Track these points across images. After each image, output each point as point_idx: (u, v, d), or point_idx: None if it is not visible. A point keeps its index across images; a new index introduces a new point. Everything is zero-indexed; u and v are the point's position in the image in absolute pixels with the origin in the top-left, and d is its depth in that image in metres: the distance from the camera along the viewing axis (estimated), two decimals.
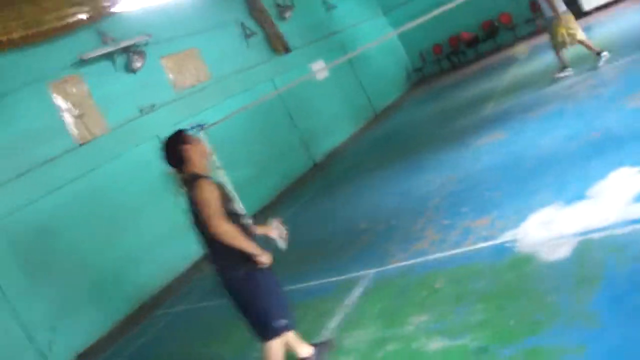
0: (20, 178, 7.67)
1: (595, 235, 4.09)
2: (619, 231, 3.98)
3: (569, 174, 5.44)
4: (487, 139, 8.13)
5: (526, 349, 3.31)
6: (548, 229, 4.57)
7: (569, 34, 8.86)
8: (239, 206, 3.53)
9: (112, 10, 9.13)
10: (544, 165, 6.02)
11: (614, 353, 2.91)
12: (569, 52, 9.34)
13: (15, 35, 7.89)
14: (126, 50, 9.41)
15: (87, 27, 9.05)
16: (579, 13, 14.75)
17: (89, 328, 7.68)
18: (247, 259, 3.59)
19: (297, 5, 14.31)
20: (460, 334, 3.79)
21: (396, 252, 5.73)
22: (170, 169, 3.76)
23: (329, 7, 16.25)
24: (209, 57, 11.21)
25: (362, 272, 5.65)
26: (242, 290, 3.71)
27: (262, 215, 9.93)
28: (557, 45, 9.15)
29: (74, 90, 8.81)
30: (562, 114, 7.37)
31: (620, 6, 13.57)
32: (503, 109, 9.42)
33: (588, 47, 8.99)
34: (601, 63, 8.71)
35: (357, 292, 5.29)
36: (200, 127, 9.10)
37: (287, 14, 13.94)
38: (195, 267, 8.89)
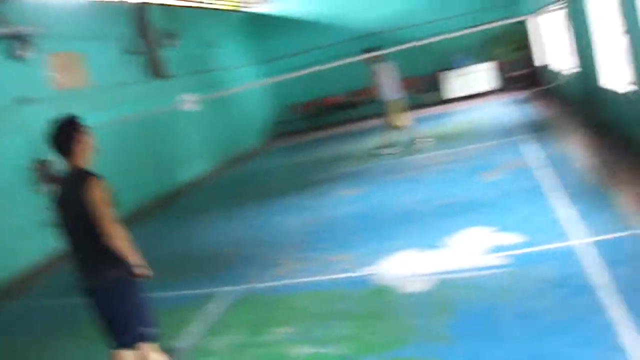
0: None
1: (449, 276, 4.71)
2: (468, 275, 4.62)
3: (424, 228, 6.15)
4: (347, 192, 8.75)
5: (388, 358, 3.67)
6: (405, 268, 5.14)
7: (398, 119, 10.51)
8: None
9: None
10: (401, 218, 6.72)
11: None
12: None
13: None
14: (15, 36, 8.79)
15: None
16: (440, 101, 16.80)
17: None
18: (121, 263, 3.45)
19: (181, 35, 14.43)
20: (324, 344, 4.10)
21: (257, 275, 5.91)
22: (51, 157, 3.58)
23: (209, 45, 16.50)
24: (92, 65, 10.80)
25: (223, 288, 5.71)
26: (113, 292, 3.51)
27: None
28: (390, 126, 10.78)
29: None
30: (420, 181, 8.28)
31: (475, 99, 15.75)
32: (362, 169, 10.23)
33: (406, 130, 10.79)
34: (418, 146, 10.62)
35: (220, 304, 5.31)
36: None
37: (171, 42, 13.97)
38: (50, 264, 8.28)
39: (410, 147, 10.81)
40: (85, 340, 4.84)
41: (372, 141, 12.61)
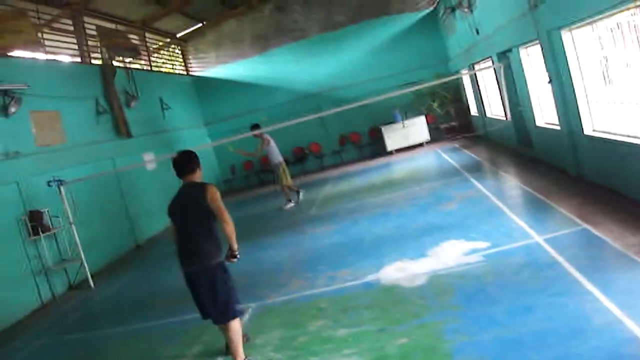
0: None
1: (440, 272, 5.96)
2: (456, 270, 5.89)
3: (406, 246, 7.37)
4: (322, 229, 9.87)
5: (415, 325, 4.84)
6: (402, 272, 6.34)
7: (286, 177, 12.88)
8: None
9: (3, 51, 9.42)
10: (382, 241, 7.93)
11: (475, 319, 4.63)
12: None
13: None
14: (5, 92, 9.58)
15: None
16: (384, 152, 18.43)
17: None
18: (221, 252, 4.73)
19: (141, 97, 15.49)
20: (357, 326, 5.17)
21: (271, 293, 6.88)
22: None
23: (165, 107, 17.56)
24: (67, 123, 11.63)
25: (244, 305, 6.61)
26: (215, 277, 4.66)
27: (108, 271, 10.18)
28: (284, 185, 12.91)
29: None
30: (388, 215, 9.55)
31: (416, 150, 17.70)
32: (328, 212, 11.40)
33: (292, 188, 13.11)
34: (301, 198, 13.22)
35: (246, 317, 6.20)
36: (60, 182, 9.61)
37: (132, 103, 14.98)
38: (44, 309, 9.04)
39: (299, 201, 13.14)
40: None
41: (328, 189, 13.90)
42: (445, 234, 7.38)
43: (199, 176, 4.88)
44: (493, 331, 4.32)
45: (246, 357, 4.80)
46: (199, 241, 4.66)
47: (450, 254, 6.50)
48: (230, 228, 4.63)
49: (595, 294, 4.43)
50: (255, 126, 12.52)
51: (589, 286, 4.60)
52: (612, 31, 6.57)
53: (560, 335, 3.95)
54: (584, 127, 7.77)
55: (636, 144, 6.22)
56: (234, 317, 4.75)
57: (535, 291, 4.83)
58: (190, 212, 4.67)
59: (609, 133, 7.14)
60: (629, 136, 6.51)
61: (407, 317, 5.07)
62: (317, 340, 5.10)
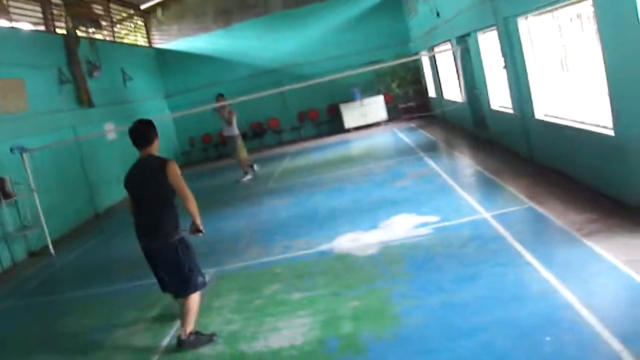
0: None
1: (392, 243, 6.22)
2: (407, 241, 6.16)
3: (360, 218, 7.60)
4: (279, 202, 10.03)
5: (367, 290, 5.07)
6: (355, 242, 6.57)
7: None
8: None
9: None
10: (337, 214, 8.15)
11: (423, 286, 4.89)
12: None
13: None
14: None
15: None
16: (342, 130, 18.65)
17: None
18: (179, 227, 4.55)
19: (103, 67, 15.24)
20: (311, 290, 5.37)
21: (228, 260, 7.03)
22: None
23: (127, 78, 17.30)
24: (30, 91, 11.40)
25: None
26: (177, 253, 4.48)
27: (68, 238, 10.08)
28: (242, 159, 13.13)
29: None
30: (344, 190, 9.77)
31: (373, 128, 18.02)
32: (286, 186, 11.56)
33: (246, 162, 13.29)
34: (256, 172, 13.37)
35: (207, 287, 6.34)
36: (22, 149, 9.49)
37: (95, 73, 14.75)
38: (4, 275, 9.11)
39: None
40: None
41: (286, 165, 14.07)
42: (398, 208, 7.63)
43: (156, 147, 4.60)
44: (439, 296, 4.58)
45: (194, 332, 4.69)
46: (158, 217, 4.48)
47: (402, 227, 6.75)
48: (192, 204, 4.46)
49: (535, 265, 4.73)
50: (221, 96, 12.64)
51: (530, 258, 4.90)
52: (571, 21, 6.87)
53: (501, 301, 4.24)
54: (535, 112, 8.11)
55: (583, 129, 6.57)
56: (195, 291, 4.62)
57: (480, 262, 5.11)
58: (149, 187, 4.48)
59: (558, 118, 7.49)
60: (576, 121, 6.86)
61: (359, 282, 5.29)
62: (273, 303, 5.27)
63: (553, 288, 4.26)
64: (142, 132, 4.54)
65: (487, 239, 5.70)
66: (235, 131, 12.82)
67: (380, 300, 4.77)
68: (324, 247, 6.66)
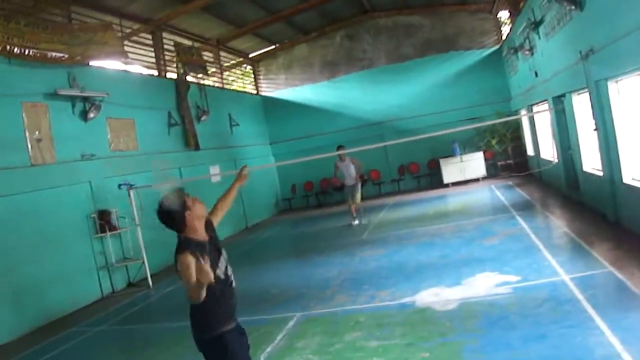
0: None
1: (471, 300, 6.54)
2: (485, 299, 6.45)
3: (445, 273, 7.95)
4: (371, 252, 10.54)
5: (440, 342, 5.45)
6: (437, 296, 6.93)
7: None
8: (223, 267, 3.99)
9: (87, 61, 10.90)
10: (424, 268, 8.53)
11: (493, 342, 5.19)
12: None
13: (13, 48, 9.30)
14: (86, 99, 10.87)
15: (63, 67, 10.61)
16: (440, 184, 18.95)
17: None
18: (206, 327, 3.72)
19: (211, 112, 16.72)
20: (388, 339, 5.82)
21: (315, 305, 7.62)
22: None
23: (233, 124, 18.75)
24: (140, 131, 12.88)
25: (289, 314, 7.39)
26: (207, 355, 3.78)
27: (166, 273, 11.21)
28: (359, 204, 14.34)
29: (40, 116, 9.97)
30: (434, 244, 10.13)
31: (471, 184, 18.30)
32: (379, 237, 12.05)
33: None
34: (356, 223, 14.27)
35: (291, 323, 6.98)
36: (130, 185, 10.69)
37: (203, 117, 16.24)
38: (103, 301, 10.25)
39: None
40: None
41: (383, 216, 14.59)
42: (483, 266, 7.90)
43: (190, 229, 3.89)
44: (506, 353, 4.89)
45: None
46: (190, 306, 3.78)
47: (483, 285, 7.04)
48: (191, 294, 3.48)
49: (603, 329, 4.91)
50: (341, 147, 13.75)
51: (599, 322, 5.08)
52: None
53: None
54: (623, 176, 8.14)
55: None
56: None
57: (551, 322, 5.34)
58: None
59: None
60: None
61: (433, 335, 5.68)
62: (351, 348, 5.77)
63: (616, 353, 4.44)
64: (166, 223, 3.90)
65: (562, 300, 5.89)
66: (355, 178, 14.00)
67: (450, 353, 5.13)
68: (406, 299, 7.08)
